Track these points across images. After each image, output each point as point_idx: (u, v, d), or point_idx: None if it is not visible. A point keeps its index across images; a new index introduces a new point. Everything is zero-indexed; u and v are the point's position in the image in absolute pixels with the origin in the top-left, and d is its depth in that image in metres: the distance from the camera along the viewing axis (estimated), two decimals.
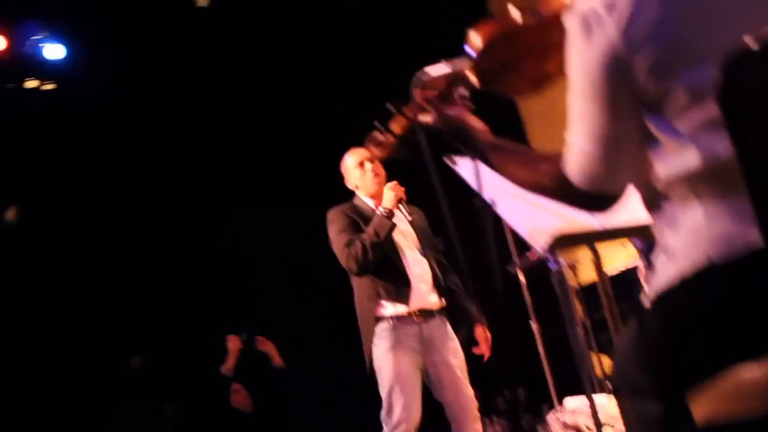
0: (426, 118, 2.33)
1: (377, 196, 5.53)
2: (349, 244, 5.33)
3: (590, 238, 3.18)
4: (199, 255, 8.95)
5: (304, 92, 8.67)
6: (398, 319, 5.32)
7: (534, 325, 6.27)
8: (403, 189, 5.42)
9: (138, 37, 7.77)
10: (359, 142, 2.97)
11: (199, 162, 8.97)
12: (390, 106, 2.48)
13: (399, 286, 5.37)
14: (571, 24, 1.89)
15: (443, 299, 5.49)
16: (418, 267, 5.47)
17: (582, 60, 1.88)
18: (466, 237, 2.96)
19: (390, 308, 5.34)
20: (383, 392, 5.24)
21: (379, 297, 5.36)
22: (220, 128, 8.94)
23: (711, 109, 1.73)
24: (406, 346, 5.31)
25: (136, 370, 8.97)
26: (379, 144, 2.53)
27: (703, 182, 1.80)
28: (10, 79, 7.69)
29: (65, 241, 8.67)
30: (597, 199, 1.95)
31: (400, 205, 5.48)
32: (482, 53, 2.16)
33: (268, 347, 7.59)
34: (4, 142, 8.13)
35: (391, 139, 2.51)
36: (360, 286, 5.46)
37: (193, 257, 8.95)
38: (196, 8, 7.74)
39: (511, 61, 2.14)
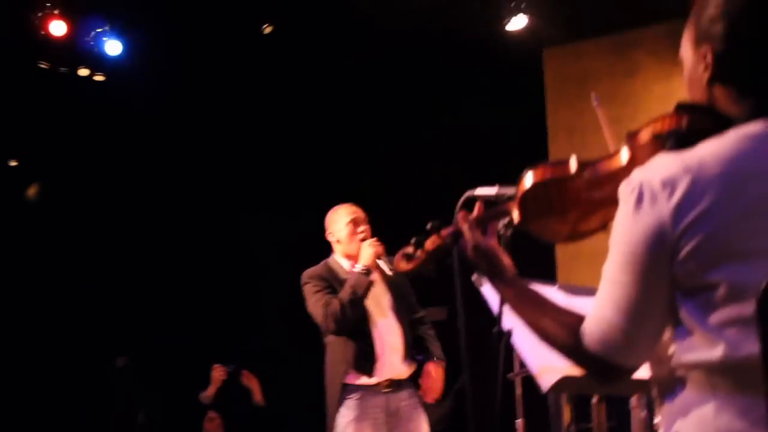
0: (463, 241, 2.34)
1: (354, 257, 5.37)
2: (326, 304, 5.22)
3: (596, 387, 3.17)
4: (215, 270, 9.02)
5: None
6: (365, 388, 5.25)
7: (519, 422, 6.26)
8: (382, 246, 5.26)
9: (194, 48, 7.85)
10: None
11: (216, 174, 9.08)
12: (429, 225, 2.48)
13: (368, 355, 5.26)
14: (625, 191, 1.88)
15: (413, 366, 5.40)
16: (390, 335, 5.34)
17: (628, 229, 1.87)
18: (475, 346, 2.98)
19: (358, 377, 5.25)
20: None
21: (347, 364, 5.26)
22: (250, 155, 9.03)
23: (744, 308, 1.74)
24: (371, 417, 5.23)
25: (120, 369, 8.99)
26: (409, 257, 2.54)
27: (721, 375, 1.80)
28: (65, 64, 7.77)
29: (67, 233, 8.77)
30: (607, 368, 1.95)
31: (379, 261, 5.30)
32: (531, 192, 2.17)
33: (252, 383, 7.59)
34: (42, 122, 8.25)
35: (423, 255, 2.51)
36: (332, 350, 5.36)
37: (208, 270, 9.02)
38: (260, 34, 7.79)
39: (556, 208, 2.15)
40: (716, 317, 1.79)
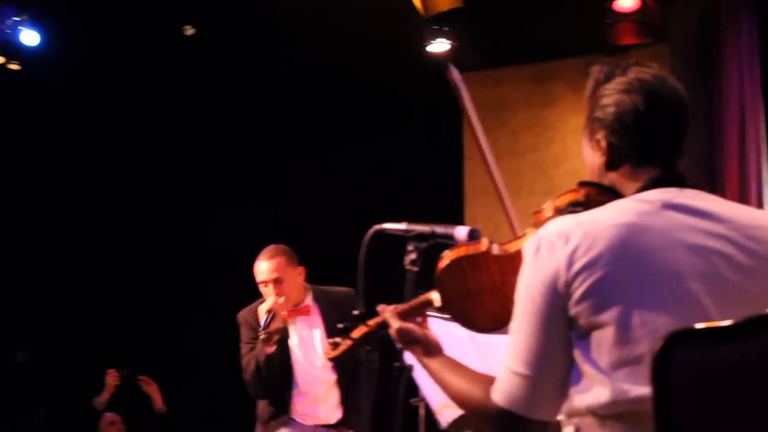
0: (388, 327, 2.44)
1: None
2: (246, 366, 5.08)
3: None
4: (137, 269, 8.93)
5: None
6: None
7: None
8: (282, 305, 5.04)
9: (111, 39, 7.77)
10: None
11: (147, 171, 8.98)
12: (356, 314, 2.59)
13: (287, 409, 5.11)
14: (527, 247, 1.98)
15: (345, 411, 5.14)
16: (320, 387, 5.13)
17: (528, 281, 1.96)
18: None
19: (282, 428, 5.12)
20: None
21: (273, 408, 5.13)
22: (180, 147, 8.97)
23: (633, 349, 1.84)
24: None
25: (20, 364, 8.83)
26: (336, 345, 2.62)
27: (611, 420, 1.86)
28: None
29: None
30: (516, 424, 1.99)
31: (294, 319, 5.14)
32: (447, 271, 2.24)
33: (151, 389, 7.51)
34: None
35: (350, 342, 2.60)
36: None
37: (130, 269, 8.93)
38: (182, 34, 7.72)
39: (471, 288, 2.22)
40: (606, 359, 1.87)
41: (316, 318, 5.19)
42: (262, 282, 5.10)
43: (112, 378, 7.47)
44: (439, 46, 7.00)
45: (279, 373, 5.04)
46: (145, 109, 8.60)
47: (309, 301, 5.21)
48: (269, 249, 5.16)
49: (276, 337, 4.99)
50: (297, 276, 5.15)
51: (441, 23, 6.68)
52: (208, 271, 8.68)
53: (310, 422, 5.12)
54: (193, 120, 8.74)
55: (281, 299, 5.03)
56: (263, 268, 5.10)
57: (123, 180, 9.03)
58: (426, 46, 7.05)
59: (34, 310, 8.73)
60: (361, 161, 8.19)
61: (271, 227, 5.37)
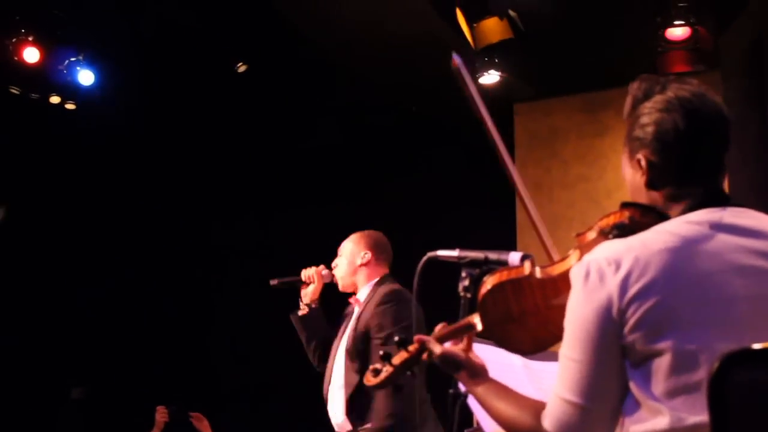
0: (430, 353, 2.41)
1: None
2: None
3: None
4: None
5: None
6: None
7: None
8: (321, 274, 5.07)
9: (166, 82, 7.88)
10: None
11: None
12: (397, 340, 2.55)
13: (324, 398, 4.96)
14: (575, 273, 1.96)
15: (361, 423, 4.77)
16: (337, 379, 4.89)
17: (578, 307, 1.94)
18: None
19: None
20: None
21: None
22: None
23: (690, 377, 1.82)
24: None
25: (76, 401, 8.91)
26: (377, 372, 2.60)
27: None
28: (37, 91, 7.75)
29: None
30: None
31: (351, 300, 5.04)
32: (489, 296, 2.23)
33: (202, 425, 7.53)
34: (10, 148, 8.22)
35: (391, 369, 2.57)
36: None
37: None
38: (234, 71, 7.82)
39: (514, 313, 2.20)
40: (662, 386, 1.85)
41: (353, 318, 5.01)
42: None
43: (161, 415, 7.52)
44: (490, 77, 7.00)
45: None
46: (197, 145, 8.68)
47: (361, 295, 5.01)
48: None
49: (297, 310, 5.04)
50: (355, 256, 5.03)
51: (491, 55, 6.68)
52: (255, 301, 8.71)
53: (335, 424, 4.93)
54: (246, 153, 8.82)
55: (323, 268, 5.05)
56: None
57: (177, 218, 9.13)
58: (477, 78, 7.07)
59: (88, 346, 8.80)
60: (413, 191, 8.19)
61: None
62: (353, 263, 5.01)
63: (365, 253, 4.99)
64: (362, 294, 4.99)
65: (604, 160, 7.62)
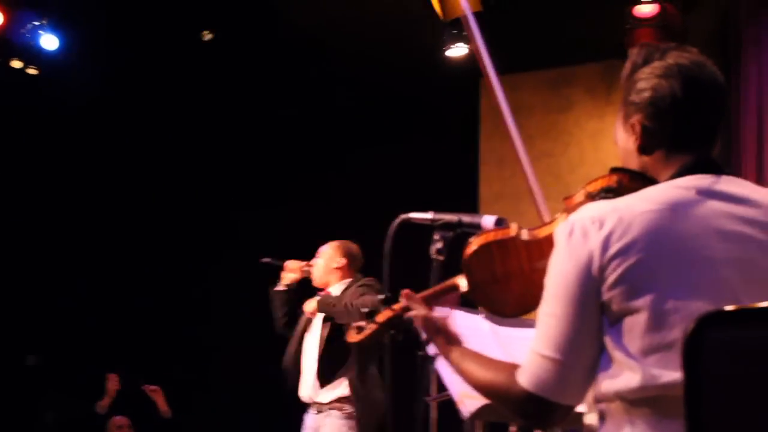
0: (412, 314, 2.42)
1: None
2: None
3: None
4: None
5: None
6: (308, 406, 5.62)
7: None
8: (299, 266, 5.77)
9: (131, 49, 7.80)
10: None
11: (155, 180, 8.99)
12: (382, 297, 2.60)
13: (299, 374, 5.64)
14: (560, 231, 1.98)
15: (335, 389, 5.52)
16: (310, 355, 5.62)
17: (560, 263, 1.95)
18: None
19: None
20: None
21: None
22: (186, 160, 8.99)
23: (665, 335, 1.84)
24: None
25: (30, 367, 8.86)
26: (360, 329, 2.61)
27: (639, 405, 1.86)
28: None
29: None
30: (543, 408, 1.97)
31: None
32: (475, 256, 2.23)
33: (156, 395, 7.54)
34: None
35: (374, 326, 2.58)
36: None
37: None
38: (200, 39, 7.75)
39: (498, 274, 2.21)
40: (637, 344, 1.87)
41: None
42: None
43: (112, 383, 7.52)
44: (458, 50, 7.01)
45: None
46: (163, 114, 8.61)
47: (333, 290, 5.67)
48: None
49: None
50: (331, 260, 5.75)
51: (459, 28, 6.68)
52: (220, 269, 8.69)
53: (306, 397, 5.62)
54: (214, 124, 8.78)
55: (305, 265, 5.74)
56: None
57: (136, 183, 9.06)
58: (445, 50, 7.08)
59: (44, 313, 8.74)
60: (376, 165, 8.20)
61: (295, 227, 5.56)
62: (329, 266, 5.74)
63: (341, 259, 5.74)
64: (334, 290, 5.67)
65: (568, 135, 7.66)
